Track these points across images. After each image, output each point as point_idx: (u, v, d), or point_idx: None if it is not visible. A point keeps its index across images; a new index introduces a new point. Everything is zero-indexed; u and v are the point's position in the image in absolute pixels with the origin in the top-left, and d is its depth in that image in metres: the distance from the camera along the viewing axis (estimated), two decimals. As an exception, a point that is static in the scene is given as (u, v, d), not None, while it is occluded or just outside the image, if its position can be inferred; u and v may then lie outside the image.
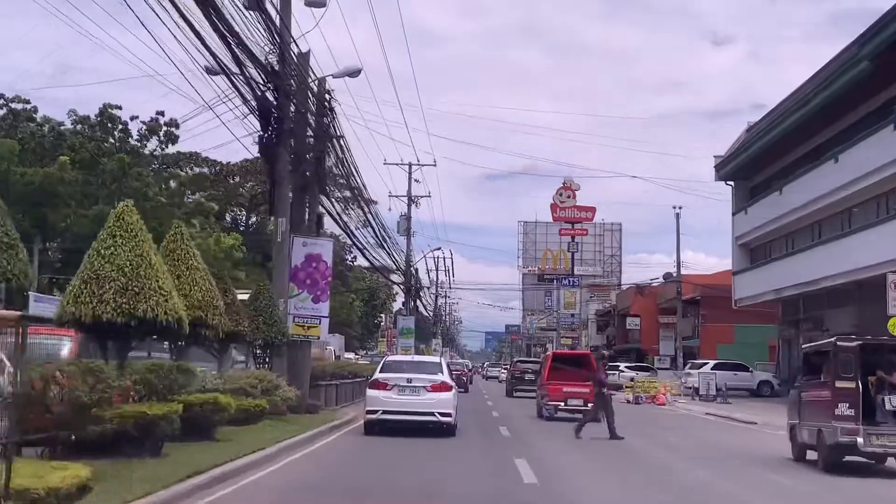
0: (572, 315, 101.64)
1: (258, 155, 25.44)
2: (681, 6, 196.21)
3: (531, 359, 60.32)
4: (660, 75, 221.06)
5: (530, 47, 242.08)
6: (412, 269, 58.36)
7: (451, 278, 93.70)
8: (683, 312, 52.46)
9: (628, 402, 38.07)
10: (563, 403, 25.42)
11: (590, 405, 22.73)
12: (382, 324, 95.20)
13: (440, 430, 18.95)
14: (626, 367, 54.47)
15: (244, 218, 55.53)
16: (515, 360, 67.90)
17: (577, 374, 25.26)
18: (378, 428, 19.01)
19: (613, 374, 54.15)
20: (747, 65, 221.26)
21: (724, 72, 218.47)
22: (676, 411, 34.93)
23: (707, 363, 43.80)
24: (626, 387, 42.45)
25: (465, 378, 48.12)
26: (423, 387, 19.04)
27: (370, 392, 19.55)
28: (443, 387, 19.28)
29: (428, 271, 79.54)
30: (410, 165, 55.11)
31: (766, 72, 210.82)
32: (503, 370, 73.33)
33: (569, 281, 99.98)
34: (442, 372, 20.11)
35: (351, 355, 58.59)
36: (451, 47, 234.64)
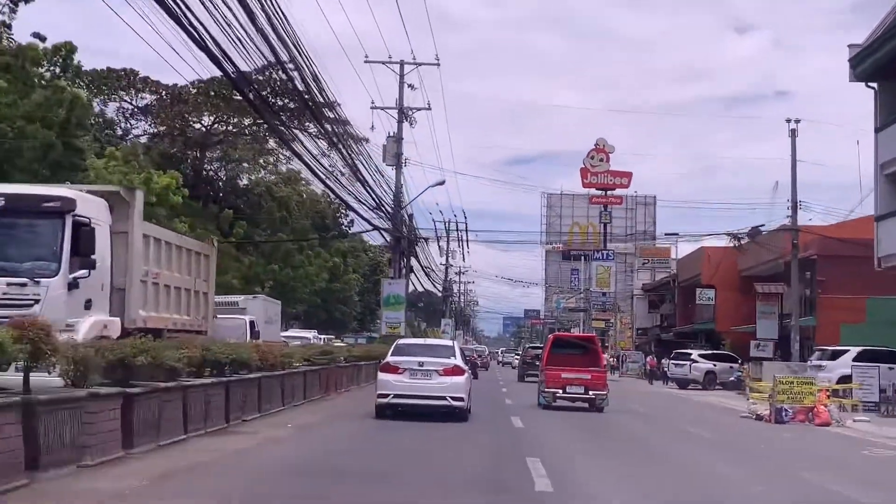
0: (604, 294, 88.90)
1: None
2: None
3: (542, 345, 51.24)
4: (680, 62, 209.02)
5: (551, 33, 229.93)
6: (403, 212, 41.04)
7: (466, 248, 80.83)
8: (783, 279, 39.63)
9: (757, 417, 24.06)
10: (560, 391, 23.44)
11: (592, 392, 22.63)
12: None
13: (452, 414, 18.80)
14: (701, 355, 41.80)
15: (195, 157, 42.63)
16: (527, 346, 67.29)
17: (578, 358, 23.98)
18: (390, 412, 18.90)
19: (682, 364, 41.66)
20: (771, 53, 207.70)
21: (746, 60, 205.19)
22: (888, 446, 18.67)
23: (847, 351, 29.69)
24: (753, 391, 27.90)
25: (477, 363, 47.31)
26: (436, 370, 18.97)
27: (381, 375, 19.47)
28: (455, 371, 19.17)
29: (438, 239, 64.69)
30: (402, 64, 39.39)
31: (790, 61, 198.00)
32: (516, 357, 72.63)
33: (601, 255, 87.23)
34: (455, 355, 19.96)
35: (309, 336, 39.61)
36: (472, 34, 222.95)
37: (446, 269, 73.01)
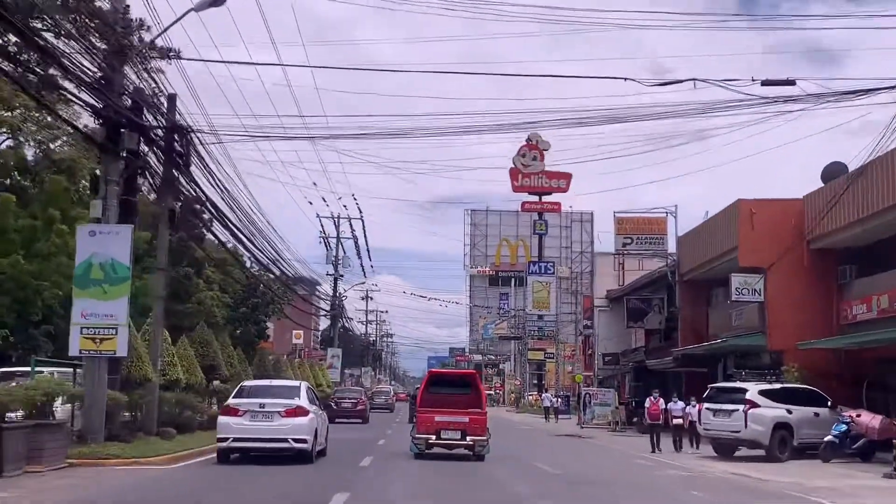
0: (540, 317, 73.54)
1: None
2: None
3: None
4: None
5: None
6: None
7: (368, 254, 66.34)
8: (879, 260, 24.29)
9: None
10: (433, 437, 20.72)
11: (470, 438, 20.58)
12: (271, 334, 66.64)
13: (297, 457, 18.18)
14: (764, 393, 24.90)
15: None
16: (417, 386, 54.63)
17: (457, 399, 21.51)
18: (233, 456, 18.56)
19: (727, 411, 24.47)
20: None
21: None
22: None
23: None
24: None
25: (361, 406, 42.29)
26: (277, 412, 18.34)
27: (221, 419, 18.76)
28: (298, 411, 18.54)
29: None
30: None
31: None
32: None
33: (538, 267, 72.16)
34: (299, 396, 19.15)
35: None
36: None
37: (335, 281, 56.77)
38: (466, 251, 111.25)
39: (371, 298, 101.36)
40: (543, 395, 58.15)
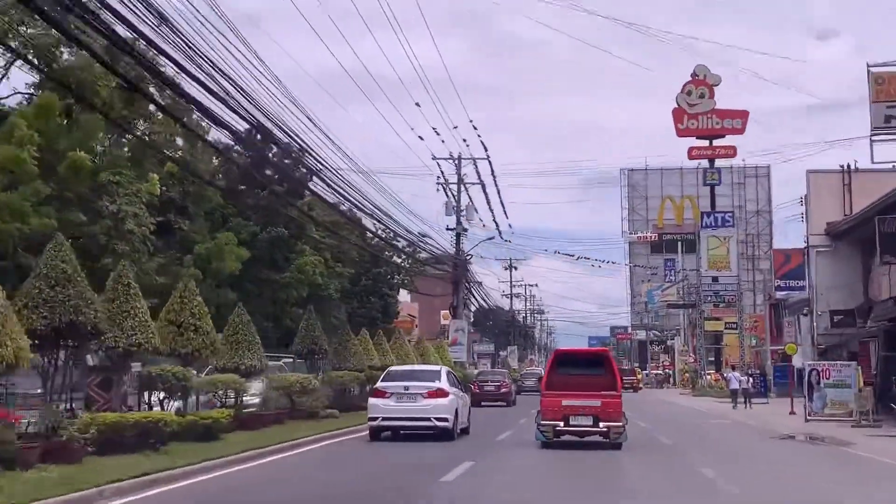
0: (714, 279, 61.83)
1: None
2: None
3: None
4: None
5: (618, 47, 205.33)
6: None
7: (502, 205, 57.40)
8: None
9: None
10: (561, 423, 18.83)
11: (603, 424, 18.57)
12: (401, 310, 58.26)
13: (440, 434, 19.75)
14: None
15: None
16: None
17: (587, 380, 19.54)
18: (383, 434, 20.47)
19: None
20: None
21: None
22: None
23: None
24: None
25: (505, 389, 40.66)
26: (420, 394, 20.05)
27: (371, 400, 20.79)
28: (439, 393, 20.13)
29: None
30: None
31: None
32: None
33: (715, 218, 60.68)
34: (439, 379, 20.85)
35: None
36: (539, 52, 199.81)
37: (457, 237, 46.37)
38: (624, 215, 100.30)
39: (515, 268, 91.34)
40: (729, 373, 46.99)
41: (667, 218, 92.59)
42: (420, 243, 46.92)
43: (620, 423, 18.76)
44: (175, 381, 17.15)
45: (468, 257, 47.86)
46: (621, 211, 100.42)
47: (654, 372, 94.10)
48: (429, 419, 19.73)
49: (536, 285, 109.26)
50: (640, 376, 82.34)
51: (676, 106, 64.37)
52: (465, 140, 79.33)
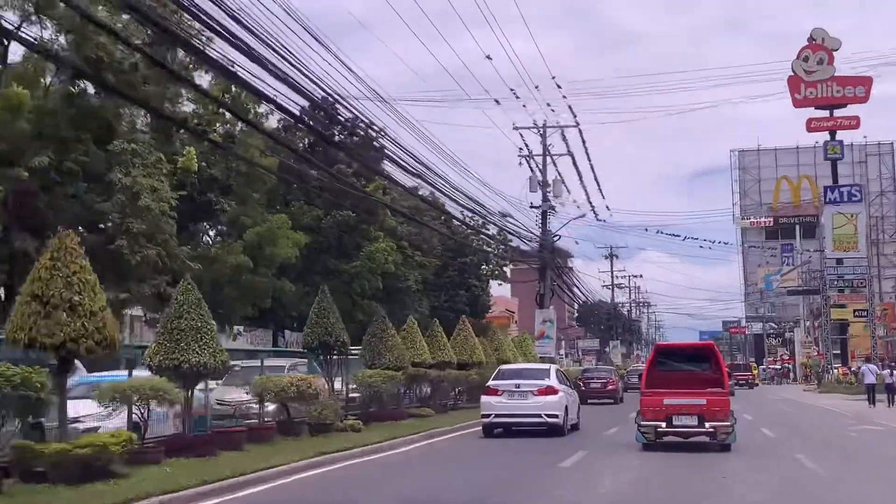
0: (839, 262, 55.73)
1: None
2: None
3: None
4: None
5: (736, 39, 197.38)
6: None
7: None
8: None
9: None
10: (663, 424, 17.55)
11: (709, 424, 17.18)
12: (494, 304, 54.37)
13: (551, 430, 20.57)
14: None
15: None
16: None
17: (691, 376, 18.37)
18: (496, 431, 21.20)
19: None
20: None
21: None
22: None
23: None
24: None
25: (612, 386, 40.09)
26: (531, 391, 20.92)
27: (484, 398, 21.64)
28: (549, 390, 21.00)
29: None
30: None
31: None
32: None
33: (841, 193, 54.76)
34: (549, 377, 21.76)
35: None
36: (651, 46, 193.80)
37: (543, 215, 41.22)
38: (735, 200, 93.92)
39: (616, 256, 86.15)
40: (863, 366, 41.33)
41: (783, 199, 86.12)
42: (507, 230, 42.86)
43: (728, 423, 17.46)
44: (9, 391, 10.82)
45: (555, 238, 43.47)
46: (732, 196, 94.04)
47: (772, 367, 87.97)
48: (540, 415, 20.59)
49: (641, 276, 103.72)
50: (755, 371, 77.03)
51: (792, 73, 58.61)
52: (549, 104, 74.18)
